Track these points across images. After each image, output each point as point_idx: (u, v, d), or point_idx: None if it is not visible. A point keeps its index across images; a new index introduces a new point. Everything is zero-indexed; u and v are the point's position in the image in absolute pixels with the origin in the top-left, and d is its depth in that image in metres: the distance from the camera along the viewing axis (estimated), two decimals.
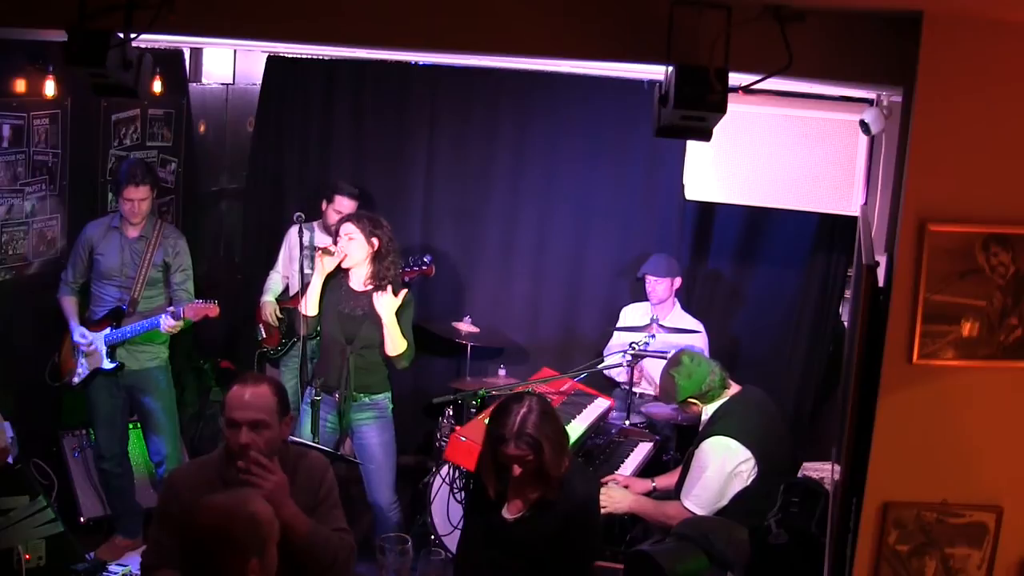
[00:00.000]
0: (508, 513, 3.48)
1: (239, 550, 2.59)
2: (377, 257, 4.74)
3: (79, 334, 5.01)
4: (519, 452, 3.32)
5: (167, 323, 4.91)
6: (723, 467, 4.09)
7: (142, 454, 5.42)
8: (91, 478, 5.36)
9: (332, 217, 5.68)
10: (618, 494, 4.37)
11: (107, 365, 5.00)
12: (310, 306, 4.75)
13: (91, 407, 5.16)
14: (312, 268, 5.70)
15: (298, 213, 5.64)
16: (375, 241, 4.73)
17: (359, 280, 4.78)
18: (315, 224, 5.81)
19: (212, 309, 4.97)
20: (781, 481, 4.05)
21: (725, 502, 4.10)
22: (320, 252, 4.74)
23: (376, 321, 4.71)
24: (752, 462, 4.08)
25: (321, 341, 4.92)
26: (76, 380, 5.05)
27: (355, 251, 4.73)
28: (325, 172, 6.21)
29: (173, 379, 5.33)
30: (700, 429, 4.34)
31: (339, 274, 4.79)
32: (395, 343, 4.71)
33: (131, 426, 5.36)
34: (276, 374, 5.90)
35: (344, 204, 5.68)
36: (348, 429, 4.83)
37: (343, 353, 4.73)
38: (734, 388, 4.31)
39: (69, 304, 5.09)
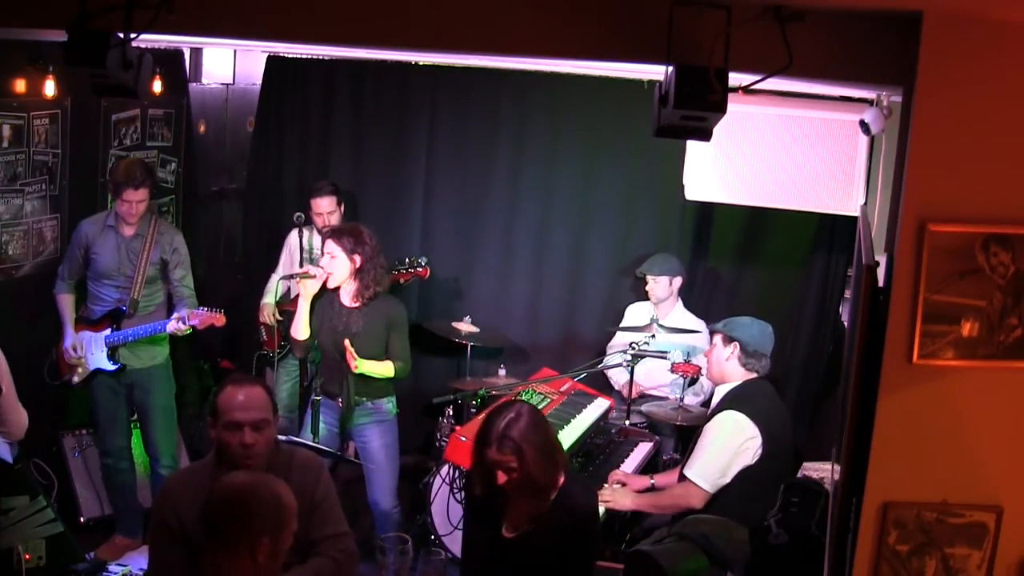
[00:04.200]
0: (508, 531, 3.45)
1: (254, 523, 2.67)
2: (359, 273, 4.68)
3: (69, 343, 5.01)
4: (501, 457, 3.28)
5: (173, 327, 4.91)
6: (731, 441, 4.13)
7: (142, 452, 5.42)
8: (91, 478, 5.37)
9: (316, 222, 5.68)
10: (620, 494, 4.39)
11: (109, 367, 5.00)
12: (300, 329, 4.73)
13: (93, 404, 5.16)
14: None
15: (298, 214, 5.66)
16: (356, 258, 4.67)
17: (348, 296, 4.76)
18: (311, 227, 5.81)
19: (218, 319, 4.97)
20: (784, 471, 4.08)
21: (728, 479, 4.13)
22: (299, 278, 4.70)
23: (370, 336, 4.69)
24: (759, 440, 4.11)
25: (320, 354, 4.90)
26: (76, 379, 5.05)
27: (338, 269, 4.68)
28: (325, 172, 6.20)
29: (174, 379, 5.33)
30: (712, 408, 4.40)
31: (331, 291, 4.76)
32: (381, 374, 4.71)
33: (132, 424, 5.36)
34: (271, 377, 5.92)
35: (322, 204, 5.65)
36: (350, 434, 4.83)
37: (342, 369, 4.71)
38: (751, 375, 4.34)
39: (65, 303, 5.08)
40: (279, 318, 5.73)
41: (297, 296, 5.69)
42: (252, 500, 2.69)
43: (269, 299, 5.82)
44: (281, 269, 5.87)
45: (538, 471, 3.30)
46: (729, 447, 4.13)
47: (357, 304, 4.72)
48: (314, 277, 4.66)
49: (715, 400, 4.44)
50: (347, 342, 4.60)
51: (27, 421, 4.22)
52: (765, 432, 4.13)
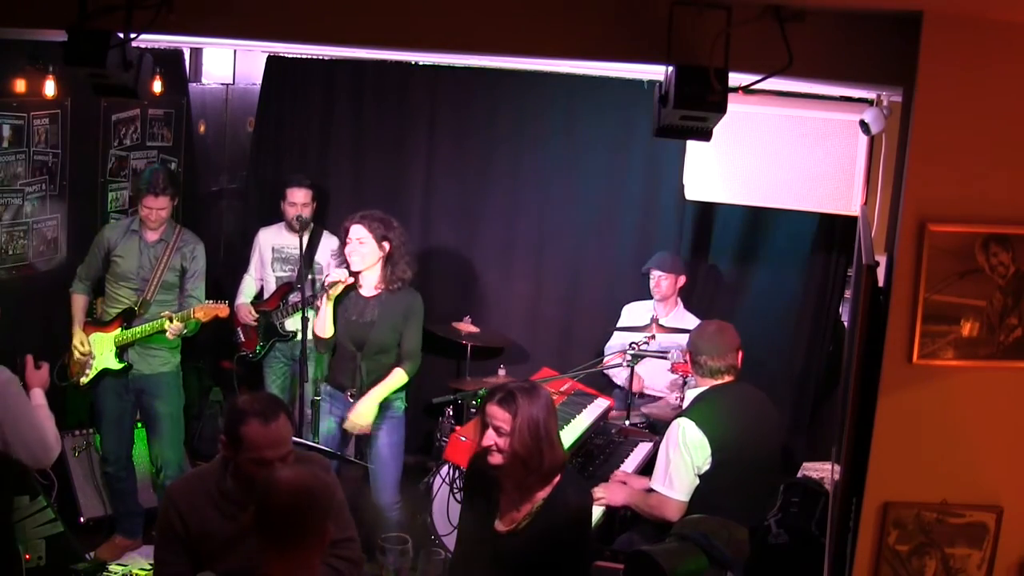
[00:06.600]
0: (501, 525, 3.43)
1: (323, 512, 2.74)
2: (389, 261, 4.66)
3: (77, 340, 5.04)
4: (498, 410, 3.26)
5: (170, 328, 4.92)
6: (681, 446, 4.05)
7: (145, 454, 5.42)
8: (91, 478, 5.37)
9: (288, 212, 5.70)
10: (613, 489, 4.37)
11: (115, 365, 5.01)
12: (326, 327, 4.71)
13: (98, 410, 5.17)
14: (283, 270, 5.72)
15: (299, 214, 5.67)
16: (386, 244, 4.65)
17: (370, 285, 4.72)
18: (281, 225, 5.82)
19: (222, 309, 4.99)
20: (743, 481, 4.02)
21: (699, 481, 4.08)
22: (330, 286, 4.63)
23: (386, 325, 4.68)
24: (708, 451, 4.04)
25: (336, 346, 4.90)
26: (83, 380, 5.06)
27: (367, 256, 4.63)
28: (325, 172, 6.21)
29: (183, 388, 5.32)
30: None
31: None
32: (394, 388, 4.72)
33: (136, 426, 5.36)
34: (266, 379, 5.92)
35: (298, 195, 5.69)
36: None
37: (355, 359, 4.71)
38: (722, 380, 4.25)
39: (78, 302, 5.12)
40: (256, 317, 5.75)
41: (271, 297, 5.72)
42: (313, 491, 2.74)
43: (244, 299, 5.84)
44: (252, 270, 5.90)
45: (523, 447, 3.23)
46: (681, 453, 4.06)
47: (377, 292, 4.70)
48: (341, 281, 4.64)
49: (684, 404, 4.41)
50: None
51: (57, 441, 3.87)
52: (714, 440, 4.04)
